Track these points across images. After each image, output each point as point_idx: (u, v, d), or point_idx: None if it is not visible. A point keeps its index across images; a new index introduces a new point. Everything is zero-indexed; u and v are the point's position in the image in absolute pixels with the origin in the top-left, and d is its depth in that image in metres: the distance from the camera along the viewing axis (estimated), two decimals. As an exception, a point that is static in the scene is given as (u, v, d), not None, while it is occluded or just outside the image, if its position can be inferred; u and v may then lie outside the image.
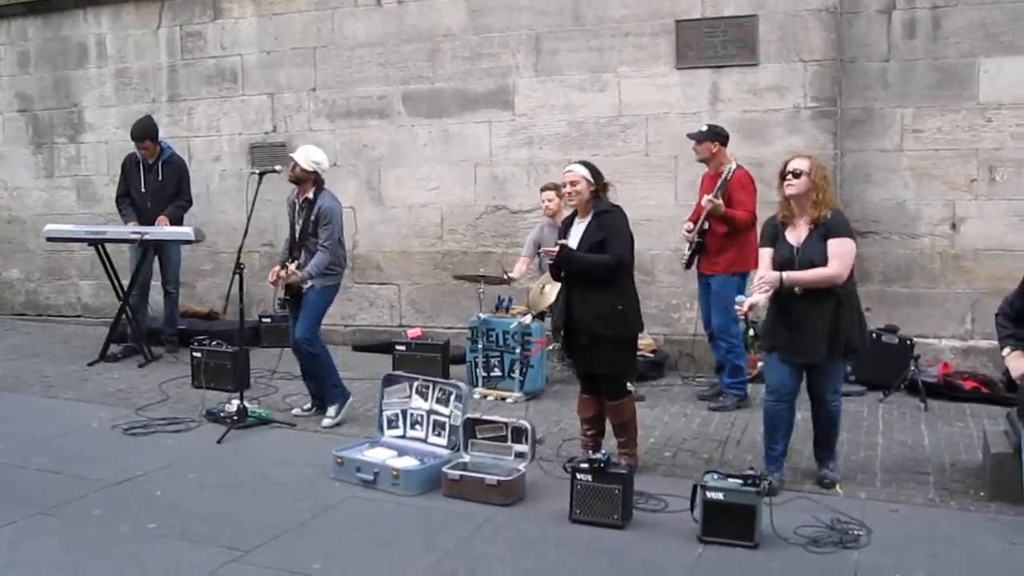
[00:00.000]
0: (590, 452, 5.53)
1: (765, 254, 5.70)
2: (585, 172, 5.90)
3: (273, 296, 7.40)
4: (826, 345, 5.47)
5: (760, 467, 5.48)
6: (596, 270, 5.74)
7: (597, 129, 9.26)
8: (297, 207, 7.31)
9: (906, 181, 8.50)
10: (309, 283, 7.17)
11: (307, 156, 7.21)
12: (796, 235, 5.57)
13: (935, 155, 8.40)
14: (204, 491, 5.77)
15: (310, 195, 7.22)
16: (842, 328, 5.48)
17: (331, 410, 7.34)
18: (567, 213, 6.27)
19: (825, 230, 5.48)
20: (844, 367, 5.81)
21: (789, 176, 5.54)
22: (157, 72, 11.22)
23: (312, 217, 7.18)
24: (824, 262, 5.43)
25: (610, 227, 5.79)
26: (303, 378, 7.54)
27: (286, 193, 7.39)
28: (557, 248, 5.80)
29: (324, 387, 7.40)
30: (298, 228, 7.29)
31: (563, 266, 5.82)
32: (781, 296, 5.53)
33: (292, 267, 7.14)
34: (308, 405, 7.51)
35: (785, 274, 5.44)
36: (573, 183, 5.89)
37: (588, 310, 5.77)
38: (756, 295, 5.52)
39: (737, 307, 5.54)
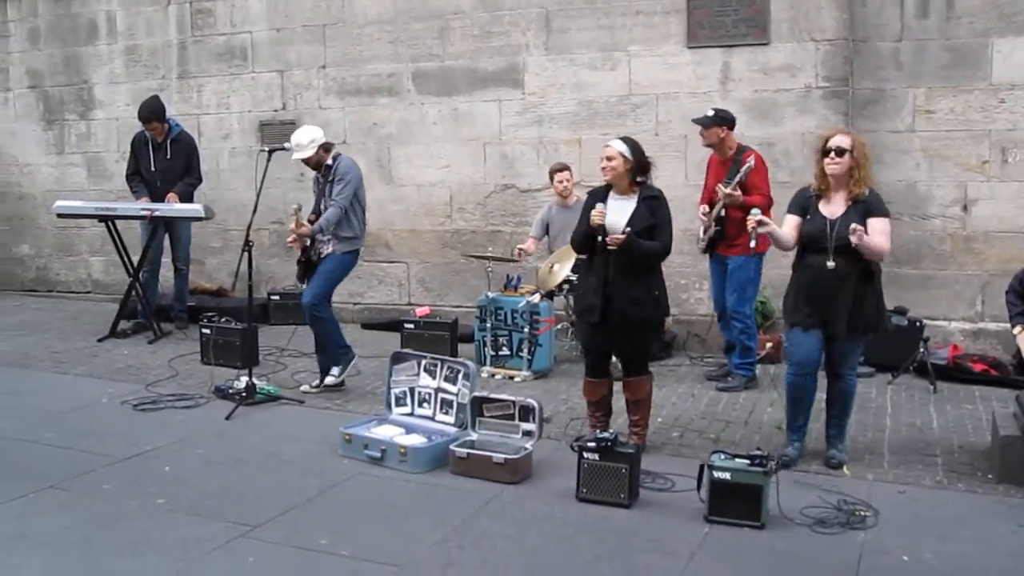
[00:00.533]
0: (598, 431, 5.53)
1: (791, 219, 5.68)
2: (623, 147, 5.86)
3: (298, 271, 7.47)
4: (847, 319, 5.50)
5: (767, 447, 5.49)
6: (649, 257, 5.80)
7: (607, 108, 9.22)
8: (320, 180, 7.37)
9: (918, 162, 8.44)
10: (328, 249, 7.20)
11: (300, 145, 7.19)
12: (830, 209, 5.56)
13: (947, 136, 8.35)
14: (212, 467, 5.79)
15: (329, 161, 7.27)
16: (865, 305, 5.51)
17: (335, 369, 7.45)
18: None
19: (865, 208, 5.49)
20: (861, 346, 5.80)
21: (832, 154, 5.51)
22: (167, 49, 11.20)
23: (331, 178, 7.22)
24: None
25: (660, 214, 5.85)
26: (315, 351, 7.58)
27: (295, 171, 7.40)
28: (623, 235, 5.68)
29: (331, 354, 7.45)
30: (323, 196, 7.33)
31: (624, 251, 5.72)
32: (807, 269, 5.56)
33: (302, 217, 7.13)
34: (317, 382, 7.52)
35: (866, 237, 5.38)
36: (609, 158, 5.85)
37: (627, 293, 5.76)
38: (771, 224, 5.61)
39: (750, 218, 5.56)
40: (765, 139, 8.43)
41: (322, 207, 7.24)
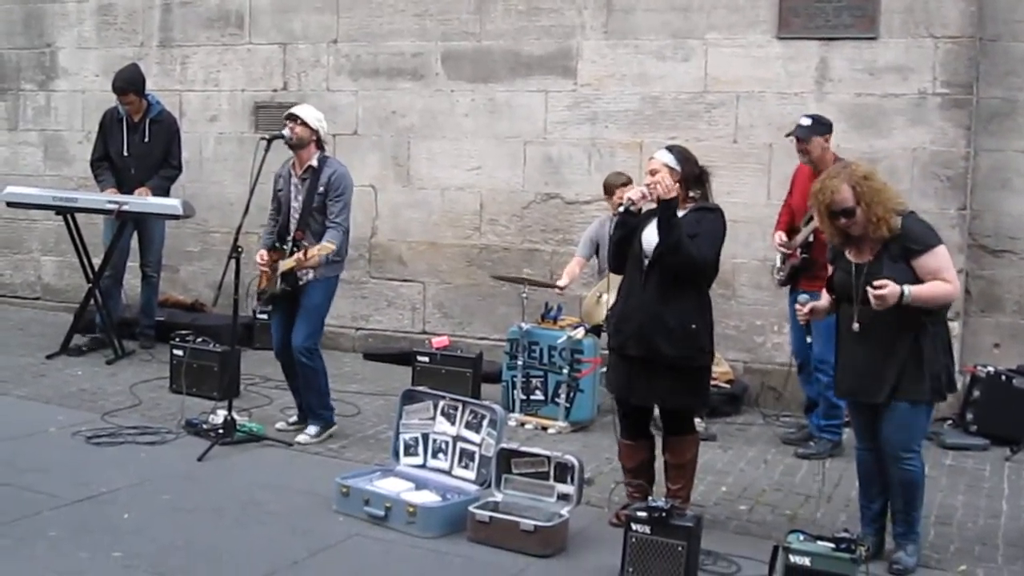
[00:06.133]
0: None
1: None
2: (668, 158, 5.83)
3: (271, 287, 7.30)
4: (891, 381, 5.34)
5: (856, 529, 5.46)
6: (681, 253, 5.58)
7: (676, 107, 9.25)
8: (294, 179, 7.37)
9: (1055, 190, 8.44)
10: (310, 274, 7.20)
11: (304, 110, 7.34)
12: (859, 251, 5.47)
13: (1092, 160, 8.35)
14: (180, 516, 5.83)
15: (314, 162, 7.30)
16: (924, 361, 5.33)
17: (312, 428, 7.41)
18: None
19: (901, 248, 5.35)
20: (925, 417, 5.59)
21: (839, 220, 5.37)
22: (148, 11, 11.32)
23: (320, 188, 7.24)
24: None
25: (706, 226, 5.76)
26: (292, 388, 7.66)
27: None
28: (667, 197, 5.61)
29: (313, 402, 7.50)
30: (297, 204, 7.31)
31: (661, 219, 5.62)
32: (845, 324, 5.50)
33: (314, 249, 6.98)
34: (294, 418, 7.63)
35: (907, 289, 5.19)
36: (652, 171, 5.79)
37: (658, 319, 5.66)
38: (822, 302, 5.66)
39: (798, 307, 5.67)
40: (867, 153, 8.41)
41: (308, 224, 7.21)
